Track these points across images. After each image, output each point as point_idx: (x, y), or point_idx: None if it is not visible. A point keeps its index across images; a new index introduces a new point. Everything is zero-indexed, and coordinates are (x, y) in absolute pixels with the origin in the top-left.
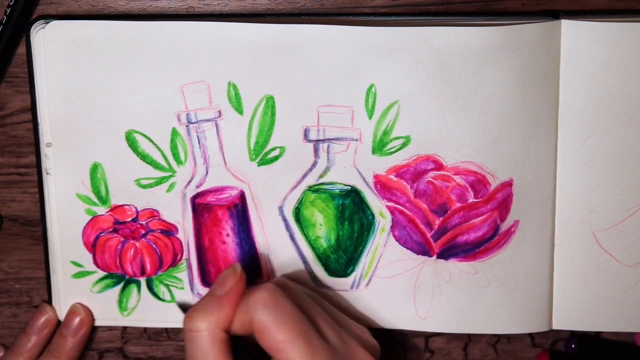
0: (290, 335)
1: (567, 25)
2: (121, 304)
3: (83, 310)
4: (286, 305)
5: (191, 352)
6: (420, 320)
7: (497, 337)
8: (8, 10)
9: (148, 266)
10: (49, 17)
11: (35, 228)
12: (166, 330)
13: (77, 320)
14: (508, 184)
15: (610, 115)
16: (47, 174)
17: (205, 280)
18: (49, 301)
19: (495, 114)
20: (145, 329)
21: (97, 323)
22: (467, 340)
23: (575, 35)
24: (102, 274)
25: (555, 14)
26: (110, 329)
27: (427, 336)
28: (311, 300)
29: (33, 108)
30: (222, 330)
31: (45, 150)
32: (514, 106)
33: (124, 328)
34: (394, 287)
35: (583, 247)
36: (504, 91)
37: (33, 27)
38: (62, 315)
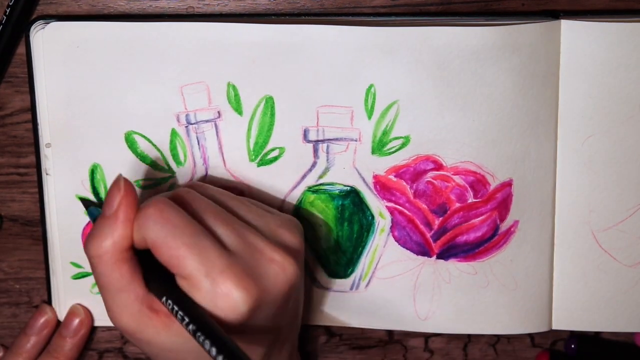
0: (181, 249)
1: (567, 25)
2: None
3: (83, 311)
4: (176, 218)
5: (97, 277)
6: (420, 320)
7: (497, 337)
8: (8, 10)
9: None
10: (48, 17)
11: (35, 228)
12: None
13: (76, 321)
14: (508, 184)
15: (610, 115)
16: (47, 174)
17: None
18: (49, 301)
19: (494, 114)
20: None
21: (97, 323)
22: (466, 340)
23: (575, 35)
24: None
25: (555, 14)
26: (110, 329)
27: (427, 336)
28: (210, 203)
29: (33, 108)
30: (121, 251)
31: (44, 151)
32: (514, 106)
33: None
34: (394, 287)
35: (583, 247)
36: (504, 91)
37: (33, 27)
38: (61, 316)
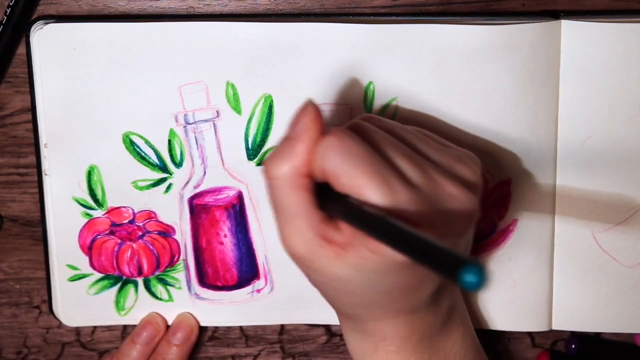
0: (363, 178)
1: (567, 25)
2: (118, 304)
3: (192, 319)
4: (357, 147)
5: (273, 199)
6: None
7: (497, 337)
8: (8, 11)
9: (145, 267)
10: (48, 18)
11: (35, 228)
12: (166, 330)
13: (184, 329)
14: (506, 184)
15: (610, 116)
16: (45, 174)
17: (203, 281)
18: (49, 302)
19: (494, 113)
20: None
21: (94, 324)
22: None
23: (575, 35)
24: (98, 275)
25: (555, 14)
26: (109, 329)
27: None
28: (390, 137)
29: (33, 108)
30: (300, 176)
31: (43, 151)
32: (513, 106)
33: (124, 328)
34: None
35: (583, 247)
36: (503, 91)
37: (33, 27)
38: (62, 317)
